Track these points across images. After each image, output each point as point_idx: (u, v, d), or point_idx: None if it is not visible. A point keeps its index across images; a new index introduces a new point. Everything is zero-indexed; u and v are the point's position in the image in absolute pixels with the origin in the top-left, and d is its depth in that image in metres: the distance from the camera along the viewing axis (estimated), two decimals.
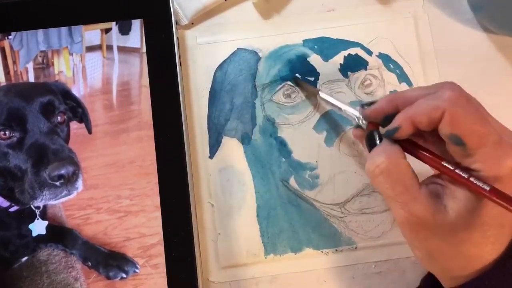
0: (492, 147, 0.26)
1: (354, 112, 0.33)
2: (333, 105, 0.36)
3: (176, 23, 0.43)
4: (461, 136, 0.26)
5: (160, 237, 0.38)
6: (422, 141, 0.31)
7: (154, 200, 0.38)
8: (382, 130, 0.31)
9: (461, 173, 0.27)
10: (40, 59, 0.41)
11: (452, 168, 0.27)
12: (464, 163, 0.27)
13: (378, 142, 0.30)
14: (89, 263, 0.38)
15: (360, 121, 0.33)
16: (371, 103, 0.31)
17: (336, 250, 0.40)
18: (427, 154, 0.29)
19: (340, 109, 0.35)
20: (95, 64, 0.41)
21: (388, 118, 0.30)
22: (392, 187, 0.28)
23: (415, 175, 0.28)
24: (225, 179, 0.41)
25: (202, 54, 0.43)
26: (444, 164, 0.28)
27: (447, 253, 0.28)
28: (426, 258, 0.29)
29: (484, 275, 0.27)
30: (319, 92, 0.38)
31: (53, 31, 0.41)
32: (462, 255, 0.27)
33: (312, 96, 0.41)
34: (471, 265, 0.27)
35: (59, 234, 0.38)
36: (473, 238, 0.27)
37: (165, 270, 0.37)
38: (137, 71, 0.41)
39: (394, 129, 0.29)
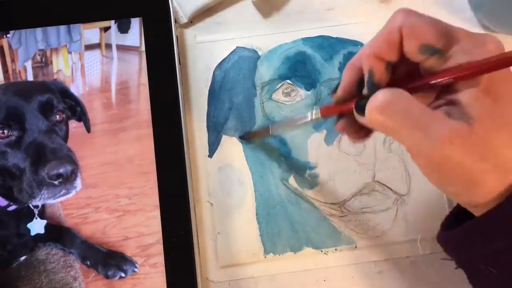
0: (466, 41, 0.25)
1: (310, 112, 0.32)
2: (288, 125, 0.35)
3: (175, 21, 0.43)
4: (432, 43, 0.25)
5: (159, 236, 0.38)
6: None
7: (153, 199, 0.38)
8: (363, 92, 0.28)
9: (458, 69, 0.25)
10: (38, 57, 0.41)
11: (450, 71, 0.25)
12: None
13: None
14: (88, 262, 0.38)
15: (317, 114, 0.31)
16: (337, 86, 0.30)
17: (336, 249, 0.40)
18: (418, 82, 0.26)
19: (297, 122, 0.34)
20: (94, 62, 0.41)
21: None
22: (407, 114, 0.25)
23: None
24: (224, 178, 0.41)
25: (201, 53, 0.43)
26: (439, 79, 0.25)
27: (483, 169, 0.24)
28: (462, 190, 0.26)
29: None
30: (270, 127, 0.38)
31: (51, 29, 0.41)
32: (499, 166, 0.25)
33: (265, 135, 0.40)
34: (510, 174, 0.25)
35: (58, 233, 0.38)
36: (504, 142, 0.24)
37: (164, 270, 0.37)
38: (136, 69, 0.41)
39: (369, 75, 0.27)
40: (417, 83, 0.26)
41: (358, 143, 0.41)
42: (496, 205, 0.25)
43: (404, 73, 0.28)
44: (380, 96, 0.25)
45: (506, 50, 0.45)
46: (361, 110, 0.27)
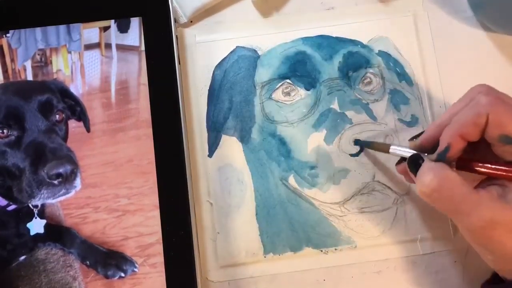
0: None
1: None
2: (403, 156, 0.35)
3: (175, 21, 0.42)
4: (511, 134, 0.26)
5: (158, 236, 0.38)
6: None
7: (152, 199, 0.38)
8: (431, 157, 0.31)
9: None
10: (38, 57, 0.41)
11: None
12: None
13: (421, 162, 0.30)
14: (87, 262, 0.38)
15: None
16: (419, 135, 0.32)
17: (336, 249, 0.40)
18: (480, 164, 0.29)
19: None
20: (94, 62, 0.41)
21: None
22: (449, 201, 0.28)
23: (467, 183, 0.28)
24: (224, 178, 0.41)
25: (201, 53, 0.43)
26: (501, 167, 0.28)
27: None
28: (499, 261, 0.29)
29: None
30: (390, 146, 0.36)
31: (51, 29, 0.41)
32: None
33: (383, 150, 0.39)
34: None
35: (57, 233, 0.38)
36: None
37: (163, 269, 0.37)
38: (136, 69, 0.41)
39: (445, 149, 0.29)
40: (484, 168, 0.29)
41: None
42: None
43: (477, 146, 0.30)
44: (426, 182, 0.28)
45: (506, 51, 0.45)
46: (413, 169, 0.31)
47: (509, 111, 0.27)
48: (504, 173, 0.28)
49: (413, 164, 0.31)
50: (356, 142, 0.41)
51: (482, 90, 0.28)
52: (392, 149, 0.35)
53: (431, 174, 0.28)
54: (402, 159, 0.34)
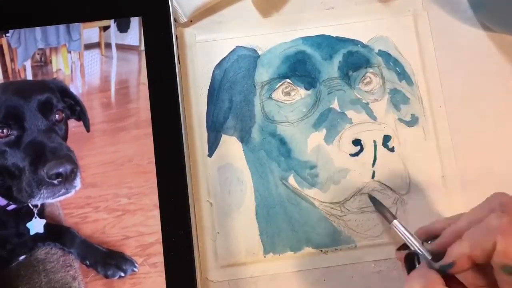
0: None
1: (425, 253, 0.32)
2: (403, 237, 0.35)
3: (175, 21, 0.42)
4: None
5: (158, 235, 0.38)
6: None
7: (152, 198, 0.38)
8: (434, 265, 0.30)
9: None
10: (38, 57, 0.41)
11: None
12: None
13: (417, 264, 0.31)
14: (87, 262, 0.38)
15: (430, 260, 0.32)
16: (435, 237, 0.32)
17: (336, 249, 0.40)
18: None
19: (409, 244, 0.34)
20: (94, 62, 0.41)
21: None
22: None
23: None
24: (224, 177, 0.41)
25: (201, 52, 0.43)
26: None
27: None
28: None
29: None
30: (394, 221, 0.36)
31: (51, 28, 0.41)
32: None
33: (384, 218, 0.39)
34: None
35: (57, 232, 0.38)
36: None
37: (163, 269, 0.37)
38: (136, 69, 0.41)
39: (449, 265, 0.28)
40: None
41: None
42: None
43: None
44: (415, 285, 0.28)
45: (506, 51, 0.45)
46: (407, 267, 0.31)
47: None
48: None
49: (409, 262, 0.31)
50: (371, 198, 0.40)
51: (496, 207, 0.28)
52: (395, 224, 0.36)
53: (422, 281, 0.28)
54: (403, 246, 0.34)
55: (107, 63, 0.41)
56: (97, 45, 0.41)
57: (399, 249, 0.34)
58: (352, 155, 0.41)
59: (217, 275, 0.39)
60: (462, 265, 0.28)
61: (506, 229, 0.26)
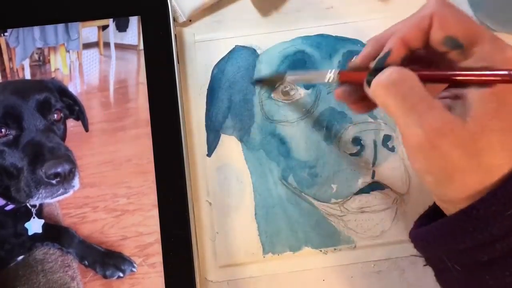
0: (488, 43, 0.25)
1: (329, 72, 0.31)
2: (304, 78, 0.34)
3: (174, 20, 0.42)
4: (457, 38, 0.25)
5: (157, 236, 0.37)
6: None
7: (151, 198, 0.38)
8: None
9: (474, 72, 0.25)
10: (36, 56, 0.41)
11: (464, 72, 0.25)
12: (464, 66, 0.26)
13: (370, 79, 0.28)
14: (86, 262, 0.37)
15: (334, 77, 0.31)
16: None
17: (335, 249, 0.40)
18: (430, 71, 0.27)
19: (314, 79, 0.33)
20: (92, 61, 0.41)
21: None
22: (404, 98, 0.25)
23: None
24: (223, 177, 0.41)
25: (200, 52, 0.43)
26: (453, 72, 0.26)
27: (466, 166, 0.25)
28: (440, 181, 0.26)
29: (503, 185, 0.24)
30: (285, 75, 0.36)
31: (49, 28, 0.41)
32: (482, 167, 0.25)
33: (279, 83, 0.38)
34: (490, 177, 0.25)
35: (56, 232, 0.38)
36: (492, 146, 0.25)
37: (162, 269, 0.37)
38: (135, 68, 0.40)
39: (384, 55, 0.27)
40: (431, 72, 0.27)
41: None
42: (468, 205, 0.25)
43: (425, 62, 0.29)
44: (388, 73, 0.26)
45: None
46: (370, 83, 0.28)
47: (455, 13, 0.25)
48: (445, 76, 0.26)
49: (370, 80, 0.28)
50: (255, 81, 0.40)
51: None
52: (287, 76, 0.34)
53: (390, 69, 0.26)
54: (338, 83, 0.31)
55: (105, 62, 0.41)
56: (95, 44, 0.41)
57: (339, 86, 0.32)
58: (352, 154, 0.41)
59: (216, 275, 0.39)
60: (399, 52, 0.27)
61: (441, 3, 0.26)
